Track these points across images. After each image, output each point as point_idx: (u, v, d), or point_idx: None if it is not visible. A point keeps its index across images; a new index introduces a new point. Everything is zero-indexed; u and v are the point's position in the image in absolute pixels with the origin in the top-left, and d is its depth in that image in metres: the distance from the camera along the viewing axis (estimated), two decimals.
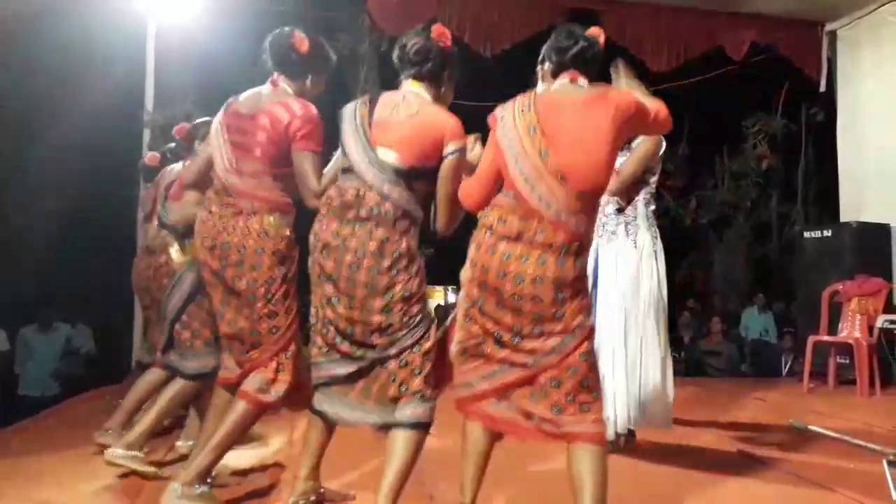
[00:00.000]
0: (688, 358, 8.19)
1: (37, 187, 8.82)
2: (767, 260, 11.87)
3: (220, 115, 2.66)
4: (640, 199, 3.43)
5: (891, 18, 6.76)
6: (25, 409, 5.83)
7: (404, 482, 2.29)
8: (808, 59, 7.57)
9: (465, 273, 2.21)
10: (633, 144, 3.43)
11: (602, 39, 2.33)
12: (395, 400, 2.34)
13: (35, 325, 7.06)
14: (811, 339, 5.76)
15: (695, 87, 8.63)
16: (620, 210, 3.42)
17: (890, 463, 2.51)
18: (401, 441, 2.31)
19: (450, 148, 2.35)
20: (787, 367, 7.93)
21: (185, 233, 3.09)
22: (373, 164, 2.35)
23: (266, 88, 2.64)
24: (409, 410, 2.32)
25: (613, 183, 3.23)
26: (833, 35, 7.47)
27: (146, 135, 7.11)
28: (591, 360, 2.15)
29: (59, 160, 8.36)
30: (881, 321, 5.64)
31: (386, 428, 2.36)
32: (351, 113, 2.45)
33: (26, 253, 8.83)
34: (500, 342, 2.16)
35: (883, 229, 6.53)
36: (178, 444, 3.40)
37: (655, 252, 3.41)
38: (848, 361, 5.80)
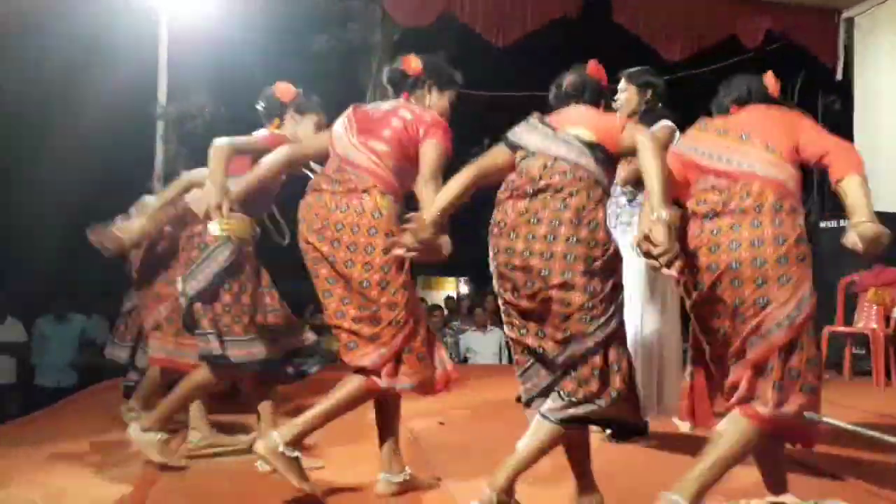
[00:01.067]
0: None
1: (52, 179, 8.88)
2: None
3: (342, 117, 2.67)
4: None
5: None
6: (42, 399, 5.89)
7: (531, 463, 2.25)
8: (825, 46, 7.49)
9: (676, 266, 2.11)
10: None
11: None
12: (591, 396, 2.17)
13: (51, 316, 7.12)
14: (827, 330, 5.72)
15: (709, 76, 8.55)
16: (632, 200, 3.39)
17: None
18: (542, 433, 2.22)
19: (629, 131, 2.30)
20: None
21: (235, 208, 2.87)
22: (558, 139, 2.29)
23: (396, 101, 2.68)
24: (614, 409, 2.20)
25: (624, 170, 3.17)
26: (850, 22, 7.37)
27: (159, 127, 7.14)
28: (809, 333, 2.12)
29: (74, 152, 8.41)
30: None
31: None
32: (522, 123, 2.44)
33: (41, 244, 8.91)
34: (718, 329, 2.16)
35: None
36: (191, 440, 3.29)
37: None
38: (864, 352, 5.75)
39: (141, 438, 2.91)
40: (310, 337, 3.35)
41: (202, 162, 3.09)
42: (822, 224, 6.78)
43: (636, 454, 3.30)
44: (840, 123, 8.57)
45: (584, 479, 2.35)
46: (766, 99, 2.42)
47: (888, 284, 5.70)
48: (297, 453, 2.41)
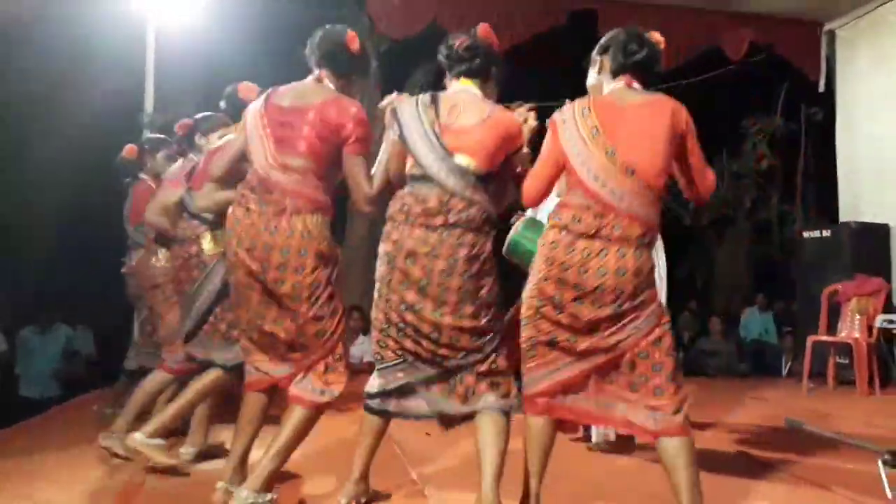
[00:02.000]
0: (687, 358, 8.19)
1: (37, 189, 8.82)
2: (767, 260, 11.87)
3: (257, 106, 2.56)
4: None
5: (889, 18, 6.77)
6: (25, 409, 5.83)
7: (503, 465, 2.35)
8: (807, 58, 7.57)
9: (537, 272, 2.27)
10: None
11: (662, 45, 2.43)
12: (482, 396, 2.40)
13: (35, 326, 7.06)
14: (810, 340, 5.77)
15: (694, 87, 8.63)
16: None
17: (885, 462, 2.52)
18: (491, 425, 2.36)
19: (515, 148, 2.45)
20: (787, 367, 7.93)
21: (215, 221, 3.00)
22: (452, 171, 2.35)
23: (309, 83, 2.59)
24: (499, 399, 2.39)
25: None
26: (832, 34, 7.47)
27: (146, 136, 7.11)
28: (663, 347, 2.22)
29: (59, 162, 8.36)
30: (880, 321, 5.65)
31: (467, 417, 2.42)
32: (413, 116, 2.43)
33: (26, 254, 8.84)
34: (575, 335, 2.23)
35: (882, 229, 6.53)
36: (182, 451, 3.28)
37: (655, 249, 3.39)
38: (847, 361, 5.80)
39: (148, 444, 2.95)
40: None
41: None
42: (805, 234, 6.86)
43: (625, 464, 3.31)
44: (823, 134, 8.70)
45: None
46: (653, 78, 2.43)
47: (871, 294, 5.77)
48: (269, 496, 2.41)
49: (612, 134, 2.23)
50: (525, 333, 2.30)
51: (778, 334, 9.00)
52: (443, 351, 2.38)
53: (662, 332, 2.22)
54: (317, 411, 2.49)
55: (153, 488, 2.90)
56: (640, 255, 2.21)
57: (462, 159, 2.35)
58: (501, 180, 2.47)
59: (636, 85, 2.34)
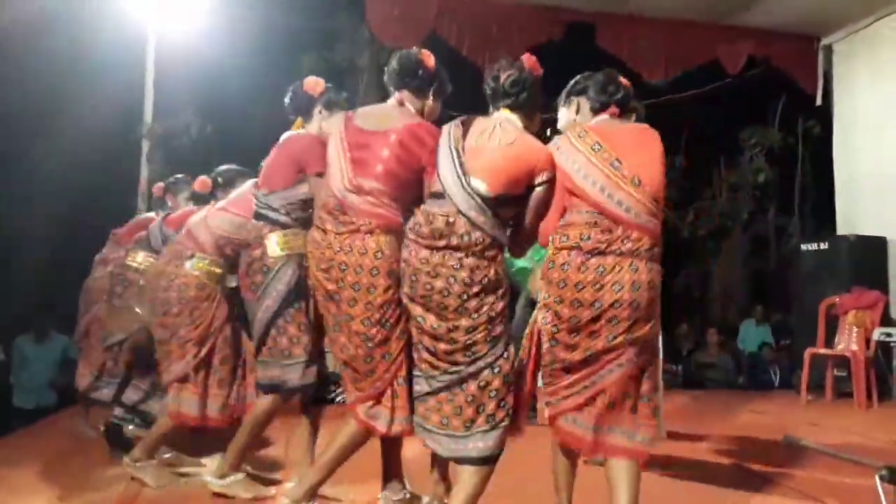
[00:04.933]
0: (684, 370, 8.18)
1: (34, 197, 8.81)
2: (765, 272, 11.86)
3: (339, 128, 2.60)
4: None
5: (885, 32, 6.81)
6: (20, 419, 5.80)
7: None
8: (805, 72, 7.62)
9: (548, 296, 2.28)
10: None
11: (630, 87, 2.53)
12: (470, 424, 2.31)
13: (31, 336, 7.03)
14: (808, 352, 5.76)
15: (692, 100, 8.67)
16: None
17: (881, 478, 2.50)
18: (468, 476, 2.30)
19: (542, 178, 2.34)
20: (778, 378, 7.92)
21: (284, 223, 2.89)
22: (464, 190, 2.33)
23: (391, 106, 2.61)
24: (480, 443, 2.30)
25: None
26: (829, 49, 7.52)
27: (144, 146, 7.12)
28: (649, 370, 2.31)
29: (58, 170, 8.36)
30: (878, 334, 5.65)
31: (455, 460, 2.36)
32: (446, 136, 2.43)
33: (23, 263, 8.81)
34: (591, 356, 2.24)
35: (879, 242, 6.54)
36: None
37: None
38: (845, 374, 5.80)
39: (227, 484, 2.85)
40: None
41: None
42: (803, 247, 6.87)
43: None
44: (820, 148, 8.73)
45: None
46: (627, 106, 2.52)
47: (868, 307, 5.77)
48: (233, 476, 2.60)
49: (614, 147, 2.28)
50: (544, 360, 2.34)
51: (775, 346, 8.98)
52: (442, 364, 2.35)
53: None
54: (367, 434, 2.51)
55: (148, 497, 2.88)
56: (652, 268, 2.24)
57: (476, 181, 2.32)
58: (520, 209, 2.40)
59: (620, 117, 2.44)
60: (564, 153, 2.32)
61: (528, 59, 2.48)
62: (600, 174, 2.25)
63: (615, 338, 2.21)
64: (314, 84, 3.03)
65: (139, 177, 7.08)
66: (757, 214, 11.48)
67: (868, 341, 5.65)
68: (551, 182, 2.36)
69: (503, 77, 2.44)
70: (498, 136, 2.38)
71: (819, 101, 7.67)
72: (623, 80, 2.51)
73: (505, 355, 2.33)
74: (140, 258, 3.71)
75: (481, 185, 2.31)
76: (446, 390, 2.35)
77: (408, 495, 2.75)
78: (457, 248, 2.31)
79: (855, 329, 5.73)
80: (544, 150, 2.38)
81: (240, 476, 2.89)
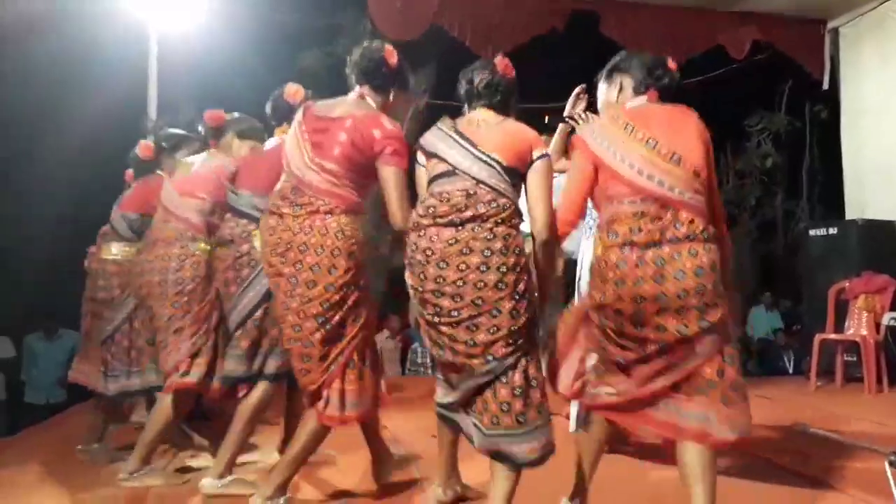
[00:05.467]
0: None
1: (41, 194, 8.85)
2: (773, 258, 11.83)
3: (297, 118, 2.65)
4: None
5: (892, 14, 6.74)
6: (31, 416, 5.85)
7: None
8: (811, 56, 7.54)
9: (604, 295, 2.19)
10: None
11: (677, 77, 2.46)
12: (522, 418, 2.24)
13: (40, 333, 7.07)
14: (818, 337, 5.73)
15: (697, 87, 8.60)
16: None
17: (892, 463, 2.49)
18: (501, 481, 2.26)
19: (538, 152, 2.36)
20: (791, 364, 7.89)
21: None
22: (480, 159, 2.31)
23: (351, 98, 2.64)
24: (526, 446, 2.23)
25: None
26: (835, 32, 7.44)
27: (165, 132, 7.13)
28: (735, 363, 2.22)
29: (63, 168, 8.38)
30: (888, 318, 5.60)
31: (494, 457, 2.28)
32: (437, 126, 2.46)
33: (30, 260, 8.85)
34: (664, 347, 2.16)
35: (889, 226, 6.50)
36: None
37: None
38: (855, 359, 5.77)
39: (225, 484, 2.82)
40: None
41: None
42: (812, 232, 6.81)
43: (619, 463, 3.29)
44: (827, 132, 8.67)
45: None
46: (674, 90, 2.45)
47: (878, 291, 5.72)
48: (282, 497, 2.55)
49: (647, 128, 2.22)
50: (592, 359, 2.30)
51: (786, 332, 8.96)
52: (475, 361, 2.24)
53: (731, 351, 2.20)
54: (327, 427, 2.55)
55: (157, 495, 2.89)
56: (711, 248, 2.15)
57: (492, 153, 2.32)
58: (521, 186, 2.39)
59: (658, 101, 2.37)
60: (598, 138, 2.26)
61: (500, 63, 2.49)
62: (637, 156, 2.18)
63: (687, 327, 2.12)
64: (294, 92, 3.06)
65: None
66: (764, 200, 11.44)
67: (878, 326, 5.61)
68: (548, 155, 2.38)
69: (476, 80, 2.46)
70: (488, 121, 2.41)
71: (826, 86, 7.60)
72: (673, 65, 2.45)
73: (534, 345, 2.29)
74: (115, 249, 3.69)
75: (495, 155, 2.31)
76: (488, 386, 2.25)
77: (397, 457, 2.91)
78: (485, 218, 2.24)
79: (865, 314, 5.69)
80: (533, 131, 2.41)
81: (232, 477, 2.85)
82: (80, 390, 6.39)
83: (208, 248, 3.14)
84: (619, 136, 2.22)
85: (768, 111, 10.82)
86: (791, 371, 7.80)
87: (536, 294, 2.36)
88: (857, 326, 5.71)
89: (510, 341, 2.22)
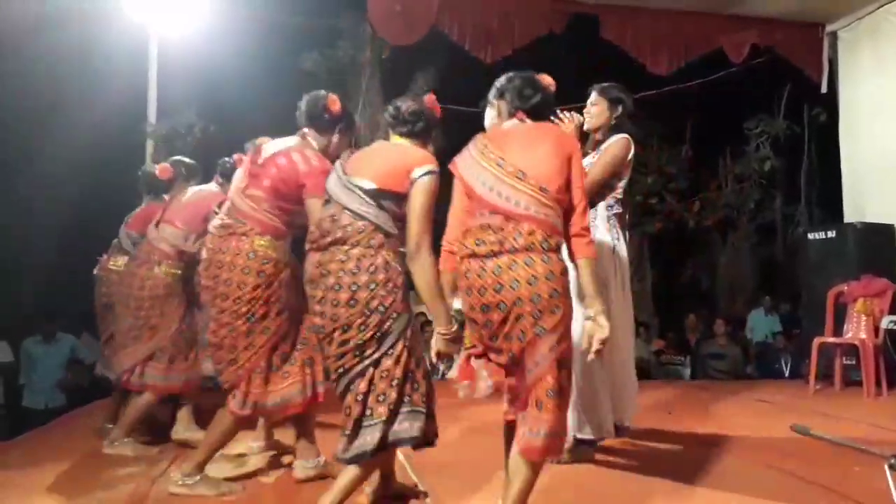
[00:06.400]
0: (693, 361, 8.17)
1: (40, 197, 8.85)
2: (772, 261, 11.82)
3: (250, 153, 3.07)
4: (602, 202, 3.38)
5: (891, 18, 6.76)
6: (30, 420, 5.83)
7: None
8: (809, 60, 7.57)
9: (466, 305, 2.34)
10: (601, 148, 3.41)
11: (553, 90, 2.62)
12: (358, 423, 2.43)
13: (38, 337, 7.06)
14: (817, 341, 5.74)
15: (696, 90, 8.62)
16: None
17: (891, 467, 2.49)
18: (348, 471, 2.47)
19: (419, 171, 2.49)
20: (788, 368, 7.89)
21: None
22: (346, 186, 2.54)
23: (294, 138, 3.01)
24: (364, 438, 2.42)
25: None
26: (834, 36, 7.47)
27: (149, 146, 7.13)
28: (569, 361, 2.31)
29: (62, 170, 8.38)
30: (886, 322, 5.61)
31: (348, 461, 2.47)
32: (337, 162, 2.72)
33: (29, 264, 8.85)
34: (513, 357, 2.27)
35: (887, 229, 6.51)
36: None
37: (616, 253, 3.36)
38: (854, 362, 5.77)
39: (191, 484, 2.90)
40: None
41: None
42: (811, 235, 6.82)
43: (581, 472, 3.28)
44: (826, 136, 8.67)
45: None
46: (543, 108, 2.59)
47: (876, 294, 5.73)
48: (198, 475, 2.89)
49: (500, 148, 2.38)
50: (484, 372, 2.40)
51: (784, 336, 8.95)
52: (338, 366, 2.48)
53: (569, 347, 2.27)
54: (239, 421, 2.89)
55: (157, 497, 2.89)
56: (549, 259, 2.24)
57: (358, 179, 2.53)
58: (403, 205, 2.52)
59: (528, 121, 2.51)
60: (463, 162, 2.43)
61: (429, 100, 2.72)
62: (488, 174, 2.33)
63: (524, 335, 2.22)
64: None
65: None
66: (763, 204, 11.43)
67: (877, 329, 5.62)
68: (433, 173, 2.50)
69: (404, 107, 2.66)
70: (383, 147, 2.68)
71: (824, 89, 7.63)
72: (547, 82, 2.60)
73: (390, 352, 2.44)
74: (119, 261, 4.15)
75: (364, 181, 2.51)
76: (344, 393, 2.49)
77: (321, 462, 3.06)
78: (343, 241, 2.48)
79: (863, 317, 5.69)
80: (423, 152, 2.58)
81: (199, 476, 2.92)
82: (79, 394, 6.42)
83: (172, 271, 3.69)
84: (478, 158, 2.39)
85: (767, 115, 10.80)
86: (790, 375, 7.79)
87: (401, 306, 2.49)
88: (856, 330, 5.72)
89: (356, 353, 2.44)
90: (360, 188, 2.50)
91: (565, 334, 2.25)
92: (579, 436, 3.29)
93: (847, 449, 2.88)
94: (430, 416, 2.51)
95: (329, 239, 2.49)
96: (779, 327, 9.25)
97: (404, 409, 2.44)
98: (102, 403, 4.64)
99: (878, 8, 6.85)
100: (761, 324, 9.45)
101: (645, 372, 7.85)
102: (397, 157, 2.56)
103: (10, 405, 6.93)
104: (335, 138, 3.02)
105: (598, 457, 3.40)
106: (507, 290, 2.21)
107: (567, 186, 2.36)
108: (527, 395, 2.25)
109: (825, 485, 2.99)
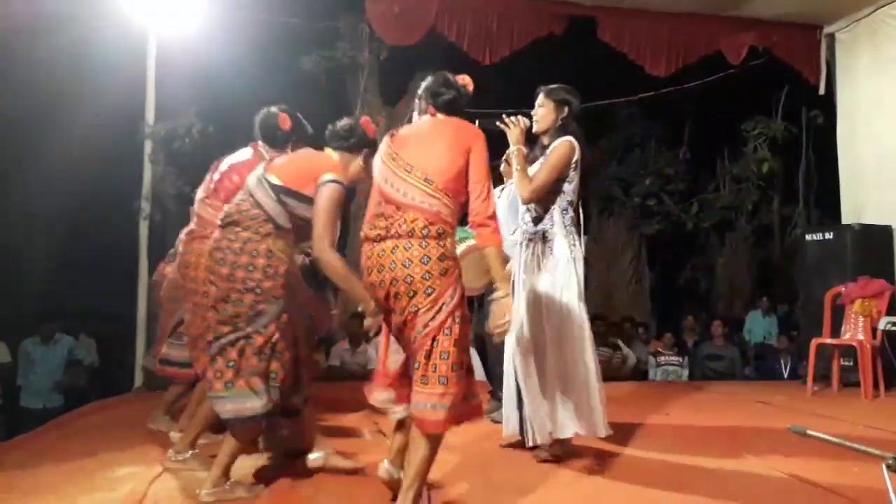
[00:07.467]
0: (691, 363, 8.17)
1: (38, 199, 8.84)
2: (770, 263, 11.82)
3: (214, 167, 3.58)
4: (556, 207, 3.37)
5: (889, 20, 6.77)
6: (27, 421, 5.82)
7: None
8: (807, 62, 7.58)
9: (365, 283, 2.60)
10: (547, 152, 3.42)
11: (471, 88, 2.80)
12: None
13: (37, 338, 7.05)
14: (814, 342, 5.74)
15: (694, 92, 8.63)
16: (538, 219, 3.40)
17: (889, 467, 2.49)
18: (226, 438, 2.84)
19: (326, 177, 2.79)
20: (787, 369, 7.90)
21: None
22: (259, 180, 2.91)
23: (248, 152, 3.51)
24: (228, 406, 2.76)
25: (526, 191, 3.34)
26: (831, 37, 7.47)
27: (147, 146, 7.12)
28: (454, 336, 2.45)
29: (61, 171, 8.37)
30: (884, 323, 5.62)
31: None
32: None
33: (28, 265, 8.85)
34: (399, 330, 2.55)
35: (885, 231, 6.52)
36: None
37: (574, 259, 3.34)
38: (852, 364, 5.78)
39: (184, 460, 3.20)
40: None
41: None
42: (808, 237, 6.83)
43: (564, 472, 3.29)
44: (824, 138, 8.68)
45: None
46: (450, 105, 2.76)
47: (874, 296, 5.74)
48: (189, 452, 3.16)
49: (398, 145, 2.64)
50: (392, 348, 2.66)
51: (787, 338, 8.95)
52: (217, 333, 2.82)
53: (452, 324, 2.44)
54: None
55: (157, 499, 2.89)
56: (427, 245, 2.46)
57: (270, 175, 2.89)
58: (308, 206, 2.81)
59: (440, 115, 2.71)
60: (376, 158, 2.71)
61: (365, 123, 3.03)
62: (387, 168, 2.60)
63: (403, 311, 2.47)
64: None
65: (142, 178, 7.07)
66: (761, 205, 11.44)
67: (874, 331, 5.63)
68: (339, 182, 2.78)
69: (340, 125, 3.00)
70: (305, 153, 3.02)
71: (822, 91, 7.63)
72: (462, 79, 2.78)
73: (260, 330, 2.75)
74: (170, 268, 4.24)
75: (273, 178, 2.87)
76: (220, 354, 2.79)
77: (190, 453, 3.20)
78: (237, 224, 2.84)
79: (861, 318, 5.70)
80: (335, 163, 2.89)
81: (192, 452, 3.19)
82: (77, 395, 6.41)
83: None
84: (381, 155, 2.67)
85: (765, 116, 10.81)
86: (788, 376, 7.80)
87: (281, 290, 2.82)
88: (854, 331, 5.73)
89: (228, 323, 2.77)
90: (269, 182, 2.86)
91: (442, 312, 2.43)
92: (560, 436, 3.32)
93: (845, 450, 2.88)
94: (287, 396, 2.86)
95: (227, 219, 2.87)
96: (776, 329, 9.25)
97: (264, 384, 2.75)
98: (102, 403, 4.63)
99: (876, 10, 6.86)
100: (759, 325, 9.46)
101: (642, 373, 7.88)
102: (310, 163, 2.89)
103: (8, 406, 6.91)
104: (289, 150, 3.36)
105: (594, 459, 3.40)
106: (387, 271, 2.48)
107: (461, 176, 2.55)
108: (413, 370, 2.49)
109: (823, 486, 3.00)
